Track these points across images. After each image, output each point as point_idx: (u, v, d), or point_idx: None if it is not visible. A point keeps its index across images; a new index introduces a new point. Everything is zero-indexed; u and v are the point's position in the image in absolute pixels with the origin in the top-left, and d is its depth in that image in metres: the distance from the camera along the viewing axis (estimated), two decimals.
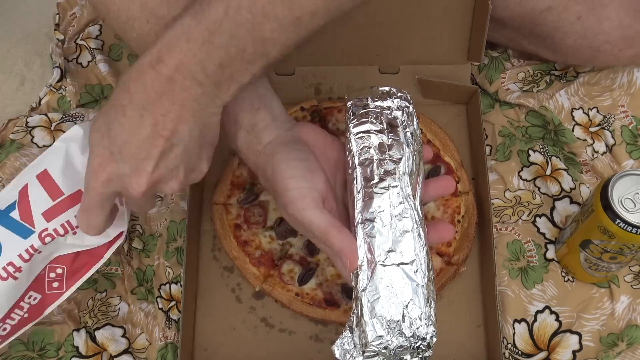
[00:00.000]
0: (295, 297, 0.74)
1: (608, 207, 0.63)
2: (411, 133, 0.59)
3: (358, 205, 0.55)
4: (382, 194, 0.55)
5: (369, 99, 0.60)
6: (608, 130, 0.83)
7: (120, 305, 0.77)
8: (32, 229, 0.63)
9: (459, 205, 0.77)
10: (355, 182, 0.56)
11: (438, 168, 0.79)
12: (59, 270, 0.67)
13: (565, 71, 0.88)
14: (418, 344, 0.53)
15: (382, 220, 0.55)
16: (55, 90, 0.89)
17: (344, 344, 0.54)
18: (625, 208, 0.62)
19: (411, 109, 0.60)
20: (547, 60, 0.88)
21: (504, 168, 0.82)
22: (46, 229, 0.63)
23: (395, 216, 0.55)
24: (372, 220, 0.55)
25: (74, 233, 0.64)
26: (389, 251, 0.54)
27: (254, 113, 0.61)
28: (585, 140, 0.83)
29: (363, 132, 0.58)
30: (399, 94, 0.61)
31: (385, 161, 0.57)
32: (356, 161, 0.57)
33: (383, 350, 0.53)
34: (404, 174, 0.56)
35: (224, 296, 0.77)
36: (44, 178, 0.64)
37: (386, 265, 0.54)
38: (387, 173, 0.56)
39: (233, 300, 0.77)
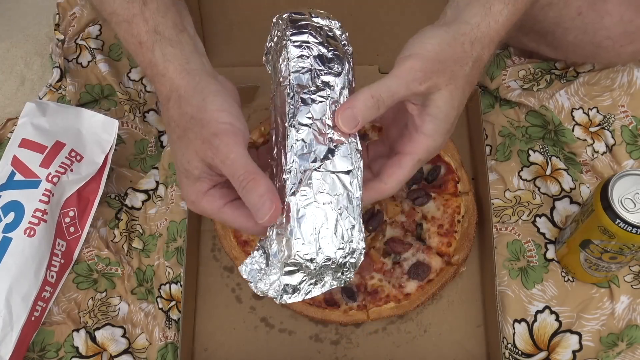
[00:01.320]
0: None
1: (608, 207, 0.63)
2: (351, 53, 0.55)
3: (290, 110, 0.50)
4: (319, 102, 0.51)
5: (309, 14, 0.56)
6: (608, 130, 0.83)
7: (120, 305, 0.77)
8: (38, 178, 0.76)
9: (459, 205, 0.77)
10: (288, 89, 0.51)
11: (438, 168, 0.79)
12: (71, 213, 0.78)
13: (565, 71, 0.88)
14: (346, 259, 0.49)
15: (317, 127, 0.50)
16: (55, 90, 0.89)
17: (253, 263, 0.50)
18: (625, 208, 0.62)
19: (347, 35, 0.57)
20: (548, 58, 0.88)
21: (504, 168, 0.82)
22: (50, 173, 0.76)
23: (332, 127, 0.50)
24: (307, 126, 0.50)
25: (72, 170, 0.78)
26: (324, 158, 0.50)
27: (177, 31, 0.56)
28: (585, 140, 0.83)
29: (303, 41, 0.53)
30: (338, 23, 0.57)
31: (324, 72, 0.52)
32: (291, 68, 0.52)
33: (307, 263, 0.48)
34: (343, 89, 0.52)
35: (224, 296, 0.77)
36: (26, 144, 0.78)
37: (320, 171, 0.49)
38: (326, 84, 0.52)
39: (233, 300, 0.77)
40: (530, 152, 0.82)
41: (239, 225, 0.55)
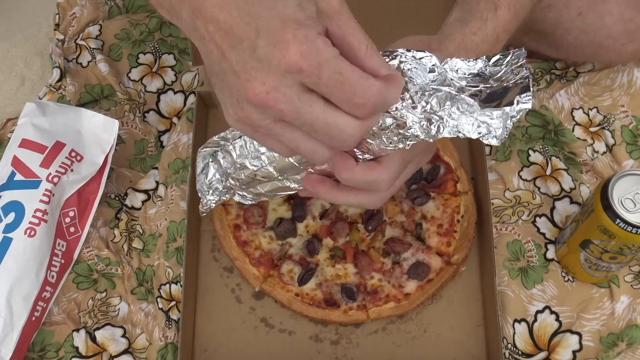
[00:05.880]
0: (295, 298, 0.74)
1: (608, 207, 0.63)
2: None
3: None
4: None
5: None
6: (608, 130, 0.83)
7: (120, 306, 0.77)
8: (38, 178, 0.76)
9: (459, 205, 0.77)
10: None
11: (437, 168, 0.78)
12: (71, 214, 0.78)
13: (565, 71, 0.88)
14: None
15: None
16: (55, 90, 0.89)
17: None
18: (625, 208, 0.62)
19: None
20: (549, 58, 0.88)
21: (504, 168, 0.82)
22: (50, 173, 0.76)
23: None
24: None
25: (72, 170, 0.78)
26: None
27: None
28: (585, 140, 0.83)
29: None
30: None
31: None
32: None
33: None
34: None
35: (223, 296, 0.77)
36: (26, 144, 0.78)
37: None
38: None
39: (233, 300, 0.77)
40: (530, 152, 0.82)
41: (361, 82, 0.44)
